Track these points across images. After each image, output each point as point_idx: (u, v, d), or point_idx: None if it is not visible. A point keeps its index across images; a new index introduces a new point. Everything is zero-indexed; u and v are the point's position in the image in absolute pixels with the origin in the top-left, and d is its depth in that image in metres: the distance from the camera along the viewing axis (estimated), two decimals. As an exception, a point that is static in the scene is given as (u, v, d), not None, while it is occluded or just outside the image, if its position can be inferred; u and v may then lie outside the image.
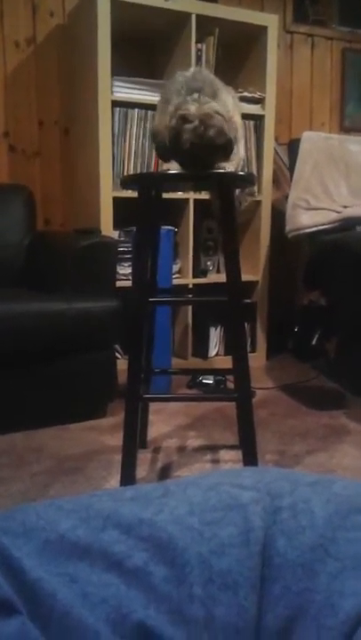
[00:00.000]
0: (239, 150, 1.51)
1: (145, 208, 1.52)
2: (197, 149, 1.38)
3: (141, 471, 1.78)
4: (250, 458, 1.55)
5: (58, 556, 0.53)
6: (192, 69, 1.51)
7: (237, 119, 1.50)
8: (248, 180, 1.52)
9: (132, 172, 2.59)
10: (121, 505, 0.61)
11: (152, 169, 2.64)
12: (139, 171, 2.61)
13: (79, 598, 0.49)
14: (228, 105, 1.44)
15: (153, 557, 0.53)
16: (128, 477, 1.54)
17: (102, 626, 0.47)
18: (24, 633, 0.44)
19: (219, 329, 2.97)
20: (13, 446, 1.94)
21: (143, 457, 1.88)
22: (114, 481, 1.70)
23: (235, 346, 1.56)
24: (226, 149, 1.42)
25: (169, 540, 0.55)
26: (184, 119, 1.37)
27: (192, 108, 1.37)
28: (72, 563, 0.53)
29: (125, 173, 2.58)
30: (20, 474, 1.74)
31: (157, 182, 1.63)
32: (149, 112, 2.58)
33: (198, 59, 2.65)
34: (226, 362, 2.88)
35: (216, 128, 1.37)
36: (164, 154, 1.52)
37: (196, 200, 2.71)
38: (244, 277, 2.85)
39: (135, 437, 1.55)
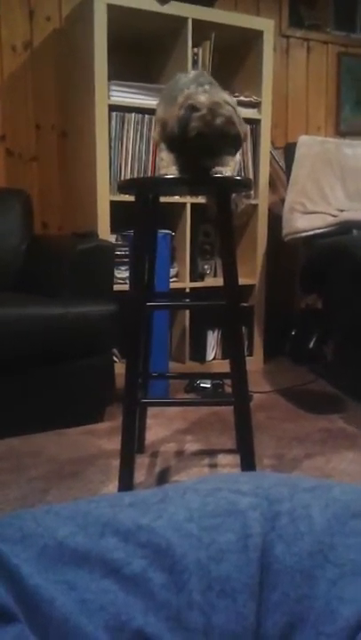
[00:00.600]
0: (236, 155, 1.51)
1: (142, 212, 1.52)
2: (205, 138, 1.36)
3: (139, 476, 1.77)
4: (248, 462, 1.54)
5: (56, 562, 0.53)
6: (194, 72, 1.51)
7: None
8: (245, 185, 1.52)
9: (129, 176, 2.60)
10: (119, 511, 0.60)
11: (149, 173, 2.64)
12: (136, 175, 2.61)
13: (78, 605, 0.49)
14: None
15: (152, 564, 0.53)
16: (126, 482, 1.54)
17: (101, 633, 0.47)
18: (22, 636, 0.43)
19: (216, 333, 2.97)
20: (11, 451, 1.94)
21: (141, 461, 1.87)
22: (112, 486, 1.69)
23: (232, 350, 1.56)
24: (235, 141, 1.39)
25: (167, 547, 0.54)
26: (193, 108, 1.36)
27: (202, 98, 1.36)
28: (70, 569, 0.53)
29: (122, 177, 2.59)
30: (18, 479, 1.73)
31: (154, 187, 1.63)
32: (146, 116, 2.58)
33: (195, 63, 2.66)
34: (223, 365, 2.88)
35: (225, 117, 1.36)
36: (173, 145, 1.50)
37: (193, 204, 2.71)
38: (242, 281, 2.85)
39: (133, 442, 1.55)
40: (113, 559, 0.54)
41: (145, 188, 1.55)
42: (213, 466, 1.85)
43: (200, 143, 1.37)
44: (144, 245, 1.55)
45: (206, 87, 1.39)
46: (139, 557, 0.54)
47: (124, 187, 1.56)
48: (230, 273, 1.50)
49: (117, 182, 1.74)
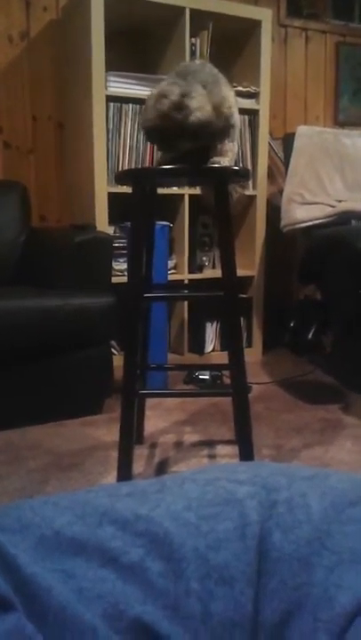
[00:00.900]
0: (234, 145, 1.51)
1: (139, 204, 1.52)
2: (164, 128, 1.37)
3: (138, 467, 1.78)
4: (246, 453, 1.55)
5: (53, 552, 0.53)
6: (197, 61, 1.51)
7: (236, 115, 1.50)
8: (243, 175, 1.52)
9: (126, 167, 2.59)
10: (117, 501, 0.61)
11: (147, 164, 2.63)
12: (133, 166, 2.60)
13: (75, 594, 0.49)
14: (229, 98, 1.44)
15: (149, 553, 0.53)
16: (125, 473, 1.54)
17: (99, 622, 0.47)
18: (20, 629, 0.44)
19: (215, 324, 2.97)
20: (10, 443, 1.94)
21: (140, 452, 1.88)
22: (111, 477, 1.70)
23: (231, 341, 1.56)
24: (196, 133, 1.39)
25: (165, 536, 0.54)
26: (161, 96, 1.36)
27: (174, 88, 1.36)
28: (68, 559, 0.53)
29: (120, 168, 2.58)
30: (17, 470, 1.74)
31: (151, 177, 1.62)
32: (144, 107, 2.57)
33: (192, 53, 2.65)
34: (222, 357, 2.89)
35: (190, 109, 1.35)
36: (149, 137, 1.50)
37: (191, 195, 2.70)
38: (240, 272, 2.85)
39: (132, 433, 1.55)
40: (110, 548, 0.54)
41: (141, 178, 1.54)
42: (212, 456, 1.86)
43: (160, 131, 1.38)
44: (141, 237, 1.55)
45: (186, 80, 1.38)
46: (136, 546, 0.54)
47: (120, 178, 1.55)
48: (228, 264, 1.50)
49: (114, 174, 1.73)
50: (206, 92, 1.39)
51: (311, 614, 0.48)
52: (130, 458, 1.55)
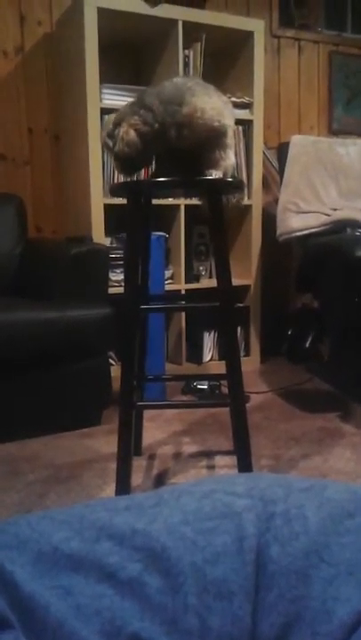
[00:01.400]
0: (229, 157, 1.51)
1: (134, 215, 1.52)
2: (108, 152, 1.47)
3: (137, 478, 1.77)
4: (244, 463, 1.55)
5: (51, 568, 0.53)
6: (176, 78, 1.53)
7: (230, 123, 1.49)
8: (237, 186, 1.52)
9: (122, 180, 2.59)
10: (114, 515, 0.60)
11: (142, 176, 2.64)
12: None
13: (73, 610, 0.49)
14: (207, 110, 1.44)
15: (147, 568, 0.53)
16: (123, 485, 1.54)
17: (96, 638, 0.47)
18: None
19: (212, 334, 2.97)
20: (8, 456, 1.93)
21: (138, 464, 1.87)
22: (109, 489, 1.69)
23: (228, 351, 1.56)
24: (120, 160, 1.46)
25: (163, 550, 0.54)
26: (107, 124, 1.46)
27: (113, 117, 1.45)
28: (66, 575, 0.52)
29: (116, 180, 2.59)
30: (15, 484, 1.73)
31: (145, 189, 1.63)
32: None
33: (186, 65, 2.66)
34: (220, 367, 2.88)
35: (122, 139, 1.42)
36: None
37: (187, 206, 2.71)
38: (237, 282, 2.86)
39: (130, 445, 1.55)
40: (108, 564, 0.54)
41: (136, 191, 1.55)
42: (211, 467, 1.86)
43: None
44: (137, 248, 1.55)
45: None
46: (134, 561, 0.54)
47: (115, 190, 1.56)
48: (223, 274, 1.50)
49: (109, 186, 1.74)
50: (163, 109, 1.42)
51: (310, 627, 0.48)
52: (128, 470, 1.54)
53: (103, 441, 2.06)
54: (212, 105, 1.45)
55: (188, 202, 2.71)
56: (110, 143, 1.43)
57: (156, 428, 2.19)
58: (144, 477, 1.79)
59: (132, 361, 1.54)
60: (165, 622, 0.50)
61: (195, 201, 2.72)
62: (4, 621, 0.47)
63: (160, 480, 1.77)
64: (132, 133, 1.41)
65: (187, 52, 2.66)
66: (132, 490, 1.64)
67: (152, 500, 0.64)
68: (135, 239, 1.53)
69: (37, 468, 1.84)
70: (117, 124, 1.43)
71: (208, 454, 1.95)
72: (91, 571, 0.53)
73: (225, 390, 2.56)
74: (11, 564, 0.50)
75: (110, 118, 1.45)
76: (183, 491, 0.65)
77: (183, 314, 2.83)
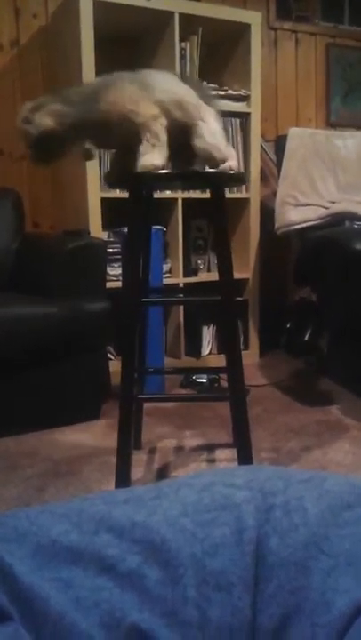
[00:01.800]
0: (156, 148, 1.43)
1: (135, 208, 1.52)
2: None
3: (137, 472, 1.77)
4: (245, 456, 1.55)
5: (50, 560, 0.53)
6: (109, 75, 1.51)
7: (148, 112, 1.41)
8: (238, 179, 1.52)
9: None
10: (113, 508, 0.60)
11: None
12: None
13: (72, 603, 0.49)
14: (132, 97, 1.40)
15: (146, 560, 0.53)
16: (123, 479, 1.54)
17: (96, 630, 0.47)
18: (18, 636, 0.43)
19: (211, 327, 2.97)
20: (6, 451, 1.93)
21: (138, 458, 1.88)
22: (109, 483, 1.69)
23: (228, 344, 1.56)
24: (34, 147, 1.41)
25: (162, 542, 0.54)
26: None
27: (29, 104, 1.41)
28: (65, 567, 0.52)
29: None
30: (14, 478, 1.73)
31: (147, 182, 1.62)
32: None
33: (182, 57, 2.65)
34: (219, 360, 2.89)
35: (38, 125, 1.38)
36: None
37: (184, 199, 2.71)
38: (235, 275, 2.85)
39: (130, 438, 1.55)
40: (107, 556, 0.54)
41: (137, 183, 1.54)
42: (211, 461, 1.86)
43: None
44: (138, 241, 1.55)
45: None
46: (133, 553, 0.54)
47: (113, 182, 1.55)
48: (225, 268, 1.50)
49: (105, 177, 1.73)
50: (82, 106, 1.38)
51: (309, 618, 0.48)
52: (128, 463, 1.54)
53: (102, 435, 2.06)
54: (126, 94, 1.39)
55: (186, 195, 2.70)
56: (25, 128, 1.39)
57: (156, 421, 2.20)
58: (144, 471, 1.79)
59: (133, 354, 1.54)
60: (165, 614, 0.50)
61: (192, 194, 2.71)
62: (4, 614, 0.47)
63: (160, 474, 1.77)
64: (48, 121, 1.38)
65: (183, 44, 2.65)
66: (132, 483, 1.64)
67: (151, 492, 0.64)
68: (136, 231, 1.53)
69: (36, 462, 1.84)
70: (35, 110, 1.38)
71: (208, 447, 1.95)
72: (90, 563, 0.53)
73: (224, 383, 2.56)
74: (10, 557, 0.50)
75: (27, 105, 1.40)
76: (182, 483, 0.65)
77: (182, 308, 2.83)
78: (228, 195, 2.77)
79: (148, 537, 0.55)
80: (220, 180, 1.49)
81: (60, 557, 0.53)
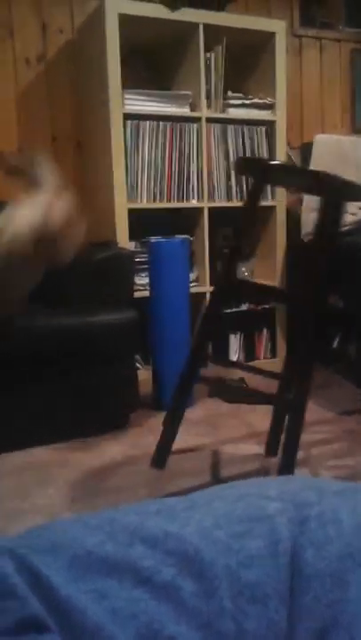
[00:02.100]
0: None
1: (253, 193, 1.54)
2: None
3: (167, 483, 1.77)
4: (288, 465, 1.53)
5: (86, 572, 0.53)
6: None
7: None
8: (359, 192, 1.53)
9: (145, 184, 2.61)
10: (146, 519, 0.61)
11: (166, 179, 2.65)
12: (152, 182, 2.62)
13: (109, 614, 0.49)
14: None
15: (181, 571, 0.53)
16: (163, 453, 1.54)
17: (133, 642, 0.47)
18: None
19: (239, 335, 2.96)
20: (38, 461, 1.95)
21: (169, 466, 1.87)
22: (141, 492, 1.70)
23: (301, 354, 1.55)
24: None
25: (196, 554, 0.54)
26: None
27: None
28: (101, 579, 0.53)
29: (139, 185, 2.60)
30: (46, 488, 1.75)
31: (273, 171, 1.64)
32: (161, 123, 2.60)
33: (207, 68, 2.67)
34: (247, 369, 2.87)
35: None
36: None
37: (210, 208, 2.71)
38: (262, 282, 2.84)
39: (179, 418, 1.54)
40: (143, 567, 0.54)
41: (265, 171, 1.58)
42: (242, 471, 1.85)
43: None
44: (247, 225, 1.59)
45: None
46: (168, 565, 0.54)
47: (244, 166, 1.58)
48: (318, 279, 1.49)
49: (235, 161, 1.81)
50: None
51: (347, 632, 0.48)
52: (173, 435, 1.53)
53: (131, 444, 2.07)
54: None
55: (212, 204, 2.71)
56: None
57: (184, 430, 2.19)
58: (175, 480, 1.79)
59: (206, 341, 1.55)
60: (201, 626, 0.50)
61: (217, 204, 2.72)
62: (43, 624, 0.47)
63: (191, 484, 1.77)
64: None
65: (208, 54, 2.67)
66: (164, 495, 1.64)
67: (183, 503, 0.64)
68: (248, 216, 1.55)
69: (67, 472, 1.86)
70: None
71: (239, 457, 1.95)
72: (125, 574, 0.54)
73: (253, 386, 2.54)
74: (47, 569, 0.51)
75: None
76: (215, 494, 0.65)
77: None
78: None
79: (181, 548, 0.55)
80: (341, 192, 1.49)
81: (96, 569, 0.53)
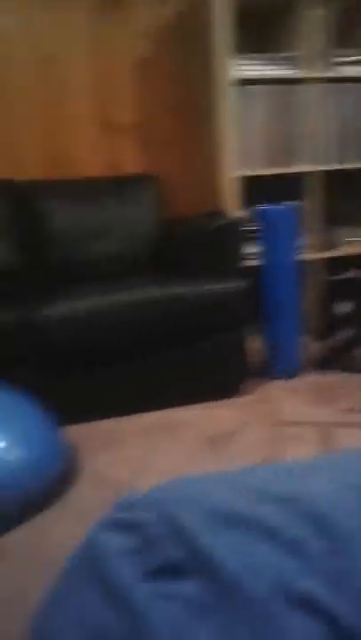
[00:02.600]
0: None
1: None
2: None
3: (289, 446, 1.79)
4: None
5: (219, 525, 0.56)
6: None
7: None
8: None
9: (258, 150, 2.58)
10: (273, 479, 0.63)
11: (277, 145, 2.60)
12: (264, 148, 2.58)
13: (243, 567, 0.52)
14: None
15: (310, 530, 0.55)
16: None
17: (267, 594, 0.50)
18: (199, 595, 0.47)
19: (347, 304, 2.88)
20: (163, 421, 2.05)
21: (290, 433, 1.89)
22: (252, 456, 1.73)
23: None
24: None
25: (325, 514, 0.56)
26: None
27: None
28: (233, 532, 0.56)
29: (250, 152, 2.57)
30: (172, 446, 1.85)
31: None
32: (274, 87, 2.54)
33: (317, 26, 2.56)
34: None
35: None
36: None
37: (327, 172, 2.64)
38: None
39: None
40: (272, 525, 0.56)
41: None
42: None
43: None
44: None
45: None
46: (297, 524, 0.56)
47: None
48: None
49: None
50: None
51: None
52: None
53: (244, 411, 2.10)
54: None
55: (328, 167, 2.64)
56: None
57: (299, 400, 2.19)
58: (296, 446, 1.80)
59: None
60: (330, 582, 0.52)
61: (337, 165, 2.64)
62: (181, 572, 0.51)
63: (312, 449, 1.78)
64: None
65: (319, 12, 2.56)
66: (285, 459, 1.67)
67: (308, 466, 0.65)
68: None
69: (189, 433, 1.93)
70: None
71: (356, 423, 1.93)
72: (256, 530, 0.56)
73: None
74: (186, 520, 0.54)
75: None
76: (340, 458, 0.65)
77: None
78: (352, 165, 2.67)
79: (310, 508, 0.57)
80: None
81: (228, 523, 0.56)
